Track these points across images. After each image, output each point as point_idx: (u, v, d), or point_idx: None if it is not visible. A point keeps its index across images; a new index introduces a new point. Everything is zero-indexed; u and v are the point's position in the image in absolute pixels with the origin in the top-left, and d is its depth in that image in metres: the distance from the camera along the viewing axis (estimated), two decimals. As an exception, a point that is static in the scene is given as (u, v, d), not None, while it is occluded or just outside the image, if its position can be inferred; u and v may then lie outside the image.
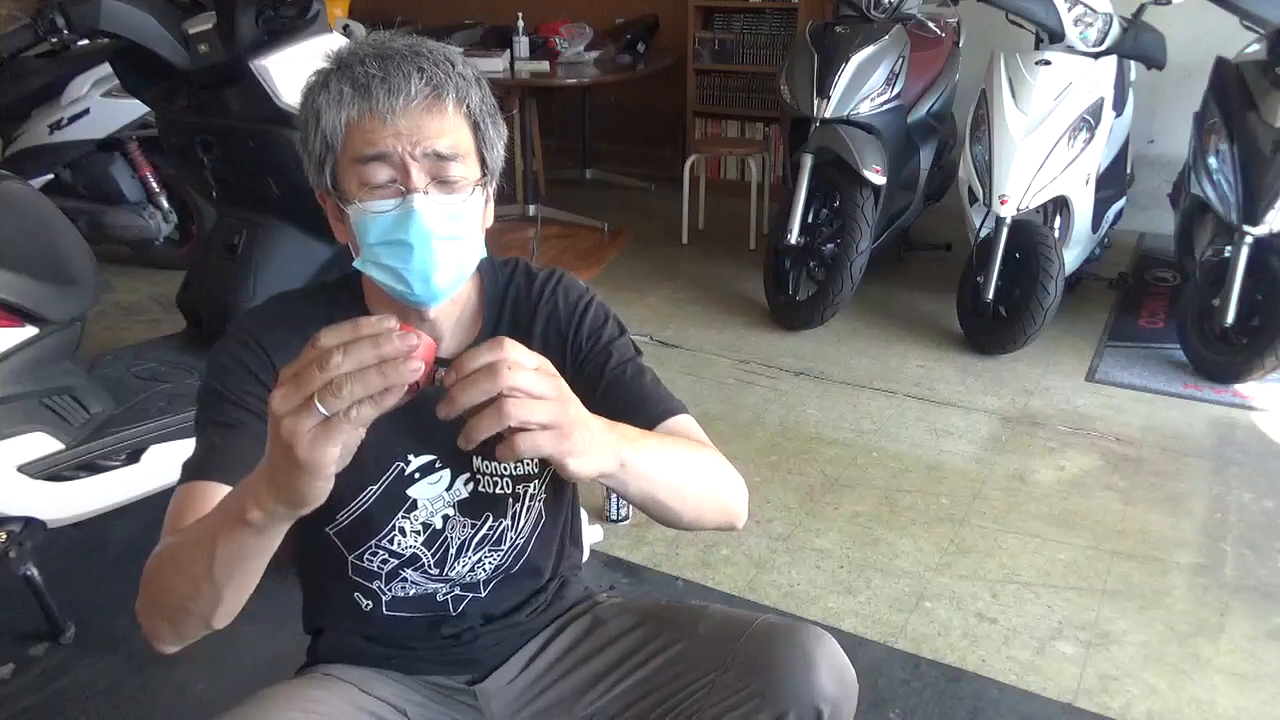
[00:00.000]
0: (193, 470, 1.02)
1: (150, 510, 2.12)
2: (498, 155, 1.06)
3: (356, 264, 1.02)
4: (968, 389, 3.20)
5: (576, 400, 0.84)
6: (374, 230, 0.99)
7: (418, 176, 0.98)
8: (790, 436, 2.89)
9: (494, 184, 1.08)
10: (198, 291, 2.44)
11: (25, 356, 1.88)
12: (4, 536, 1.85)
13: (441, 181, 0.99)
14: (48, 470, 1.90)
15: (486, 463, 1.13)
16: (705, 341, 3.57)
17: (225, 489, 0.98)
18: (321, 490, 0.77)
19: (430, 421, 1.10)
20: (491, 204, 1.10)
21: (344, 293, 1.13)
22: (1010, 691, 1.89)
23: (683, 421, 1.11)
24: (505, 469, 1.13)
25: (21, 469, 1.87)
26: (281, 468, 0.76)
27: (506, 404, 0.77)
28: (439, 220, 0.99)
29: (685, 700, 1.09)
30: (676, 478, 0.99)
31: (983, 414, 3.03)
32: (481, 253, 1.07)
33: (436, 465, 1.12)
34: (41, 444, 1.90)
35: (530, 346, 1.10)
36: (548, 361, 0.82)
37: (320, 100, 0.99)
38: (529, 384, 0.79)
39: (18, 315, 1.85)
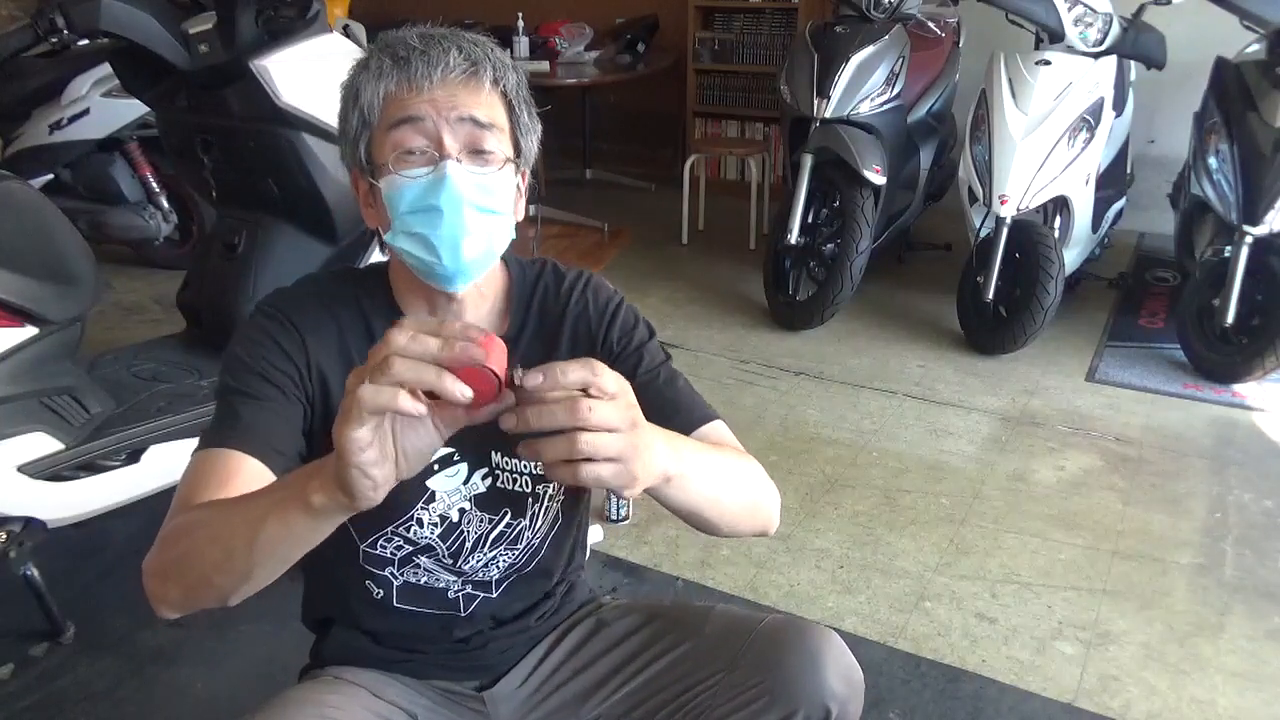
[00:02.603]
0: (212, 437, 1.01)
1: (150, 510, 2.12)
2: (532, 145, 1.07)
3: (387, 238, 1.02)
4: (968, 389, 3.20)
5: (645, 425, 0.82)
6: (405, 198, 0.99)
7: (450, 143, 0.99)
8: (790, 436, 2.89)
9: (528, 175, 1.09)
10: (198, 291, 2.43)
11: (25, 356, 1.87)
12: (4, 536, 1.85)
13: (475, 152, 1.00)
14: (48, 470, 1.90)
15: (505, 459, 1.12)
16: (705, 341, 3.57)
17: (246, 458, 0.98)
18: (362, 485, 0.76)
19: None
20: (524, 200, 1.10)
21: (373, 278, 1.13)
22: (1010, 691, 1.89)
23: (717, 428, 1.11)
24: (524, 467, 1.13)
25: (21, 469, 1.86)
26: (340, 449, 0.76)
27: (580, 439, 0.76)
28: (470, 188, 0.99)
29: (692, 700, 1.09)
30: (718, 490, 0.98)
31: (983, 414, 3.03)
32: (511, 235, 1.07)
33: (455, 458, 1.11)
34: (41, 444, 1.90)
35: (559, 346, 1.11)
36: (627, 385, 0.80)
37: (360, 78, 1.01)
38: (606, 418, 0.77)
39: (18, 315, 1.85)
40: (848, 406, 3.08)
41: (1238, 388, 3.16)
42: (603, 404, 0.77)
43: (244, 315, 2.27)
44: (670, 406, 1.10)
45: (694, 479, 0.92)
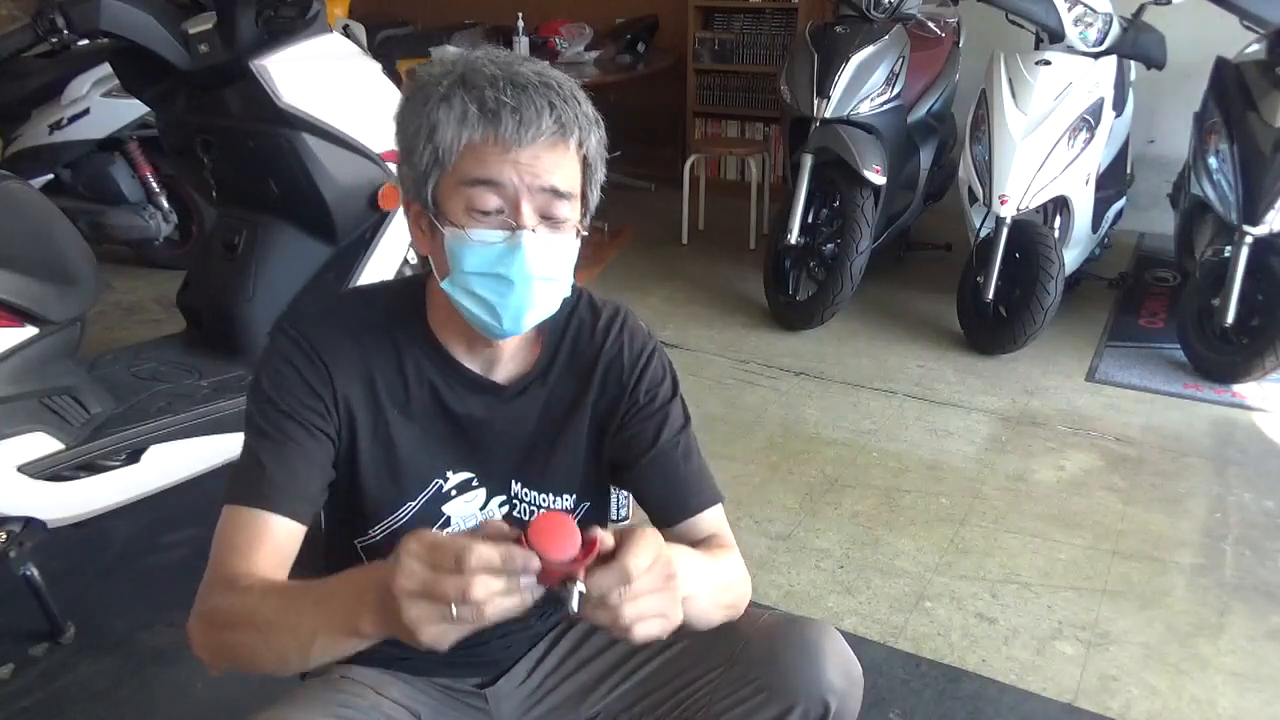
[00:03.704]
0: (243, 492, 1.00)
1: (150, 510, 2.12)
2: (596, 195, 1.05)
3: (444, 285, 1.00)
4: (968, 389, 3.20)
5: (677, 571, 0.85)
6: (473, 259, 0.97)
7: (528, 214, 0.96)
8: (790, 436, 2.89)
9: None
10: (198, 291, 2.44)
11: (25, 356, 1.87)
12: (4, 536, 1.85)
13: (549, 219, 0.98)
14: (48, 470, 1.90)
15: (526, 490, 1.13)
16: (705, 341, 3.57)
17: (274, 518, 0.98)
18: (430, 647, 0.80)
19: (472, 439, 1.08)
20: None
21: (406, 303, 1.10)
22: (1010, 691, 1.89)
23: (714, 515, 1.13)
24: (544, 499, 1.13)
25: (21, 469, 1.86)
26: (402, 627, 0.78)
27: (624, 613, 0.81)
28: (542, 260, 0.98)
29: (691, 695, 1.10)
30: (714, 603, 1.01)
31: (983, 414, 3.03)
32: (568, 293, 1.06)
33: (474, 483, 1.11)
34: (41, 444, 1.89)
35: (590, 387, 1.12)
36: (659, 545, 0.83)
37: (439, 114, 0.95)
38: (642, 589, 0.81)
39: (18, 315, 1.85)
40: (848, 406, 3.08)
41: (1238, 388, 3.16)
42: (641, 582, 0.81)
43: (244, 315, 2.30)
44: (680, 484, 1.12)
45: (699, 598, 0.95)
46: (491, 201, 0.96)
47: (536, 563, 0.77)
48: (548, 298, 1.02)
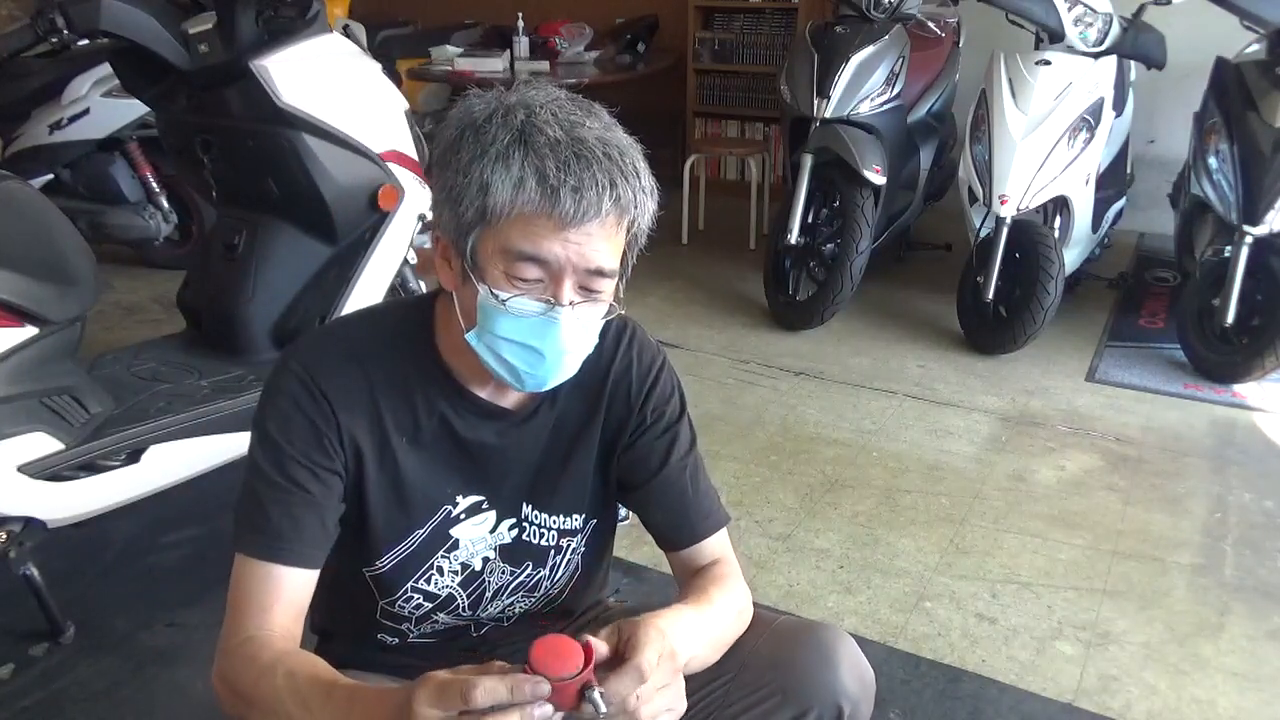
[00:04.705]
0: (252, 543, 1.00)
1: (150, 510, 2.12)
2: (633, 260, 1.02)
3: (469, 338, 0.99)
4: (968, 389, 3.20)
5: (680, 657, 0.90)
6: (505, 325, 0.96)
7: (569, 290, 0.94)
8: (790, 436, 2.89)
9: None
10: (198, 291, 2.44)
11: (25, 356, 1.87)
12: (4, 536, 1.85)
13: (586, 290, 0.96)
14: (48, 470, 1.90)
15: (536, 512, 1.13)
16: (705, 341, 3.57)
17: (286, 571, 0.99)
18: None
19: (482, 464, 1.09)
20: None
21: (413, 326, 1.07)
22: (1010, 691, 1.89)
23: (719, 540, 1.15)
24: (553, 522, 1.13)
25: (21, 469, 1.86)
26: None
27: (640, 714, 0.85)
28: (575, 334, 0.97)
29: (704, 699, 1.09)
30: (709, 657, 1.03)
31: (983, 414, 3.03)
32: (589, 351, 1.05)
33: (483, 506, 1.11)
34: (41, 444, 1.89)
35: (599, 407, 1.12)
36: (663, 640, 0.87)
37: (494, 174, 0.91)
38: (654, 687, 0.85)
39: (18, 315, 1.85)
40: (848, 406, 3.08)
41: (1238, 388, 3.16)
42: (651, 687, 0.85)
43: (244, 315, 2.30)
44: (687, 509, 1.13)
45: (695, 661, 0.98)
46: (533, 273, 0.93)
47: (546, 687, 0.78)
48: (575, 365, 1.01)
